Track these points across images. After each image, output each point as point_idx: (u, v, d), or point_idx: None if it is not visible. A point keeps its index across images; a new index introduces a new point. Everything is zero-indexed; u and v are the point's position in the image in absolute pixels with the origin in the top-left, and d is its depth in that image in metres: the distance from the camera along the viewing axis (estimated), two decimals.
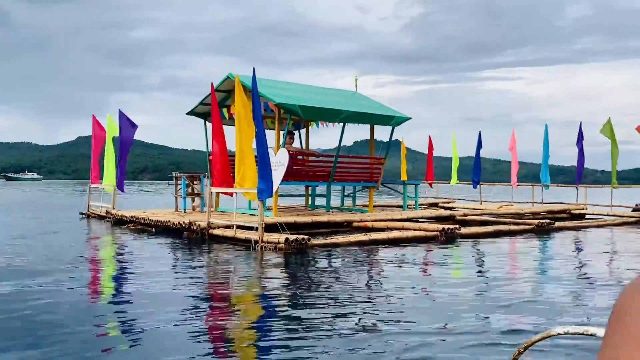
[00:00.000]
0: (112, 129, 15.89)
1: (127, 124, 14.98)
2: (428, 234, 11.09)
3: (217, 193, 15.40)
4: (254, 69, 9.92)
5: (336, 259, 8.65)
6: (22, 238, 11.15)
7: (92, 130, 16.59)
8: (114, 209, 14.84)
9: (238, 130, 10.53)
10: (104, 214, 15.49)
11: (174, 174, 14.78)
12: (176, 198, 14.91)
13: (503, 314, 5.07)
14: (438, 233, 10.98)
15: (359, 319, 4.99)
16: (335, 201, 15.76)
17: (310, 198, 16.28)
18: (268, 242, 9.39)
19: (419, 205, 16.88)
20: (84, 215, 16.54)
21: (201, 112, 15.60)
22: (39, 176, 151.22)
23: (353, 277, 7.11)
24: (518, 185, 19.11)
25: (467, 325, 4.62)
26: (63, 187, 62.66)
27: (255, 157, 10.31)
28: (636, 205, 18.34)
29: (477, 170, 19.29)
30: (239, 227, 10.44)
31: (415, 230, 11.38)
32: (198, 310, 5.30)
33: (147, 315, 4.92)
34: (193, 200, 14.98)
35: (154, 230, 12.53)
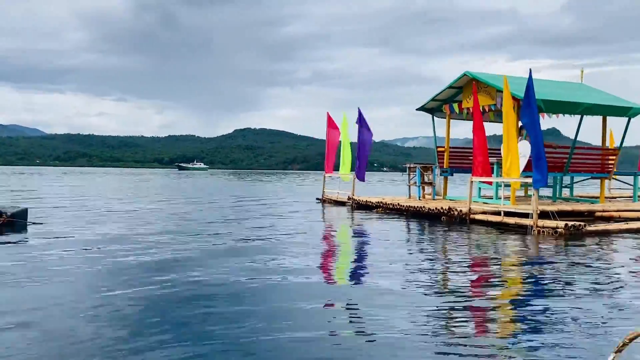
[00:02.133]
0: (346, 127, 17.74)
1: (366, 125, 16.70)
2: None
3: (445, 182, 16.63)
4: (530, 69, 10.81)
5: (611, 244, 9.30)
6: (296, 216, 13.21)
7: (327, 127, 18.59)
8: (353, 195, 16.64)
9: (505, 125, 11.52)
10: (341, 200, 17.43)
11: (408, 165, 16.19)
12: (409, 186, 16.32)
13: None
14: None
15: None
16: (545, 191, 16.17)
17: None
18: (544, 227, 10.29)
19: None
20: (319, 200, 18.67)
21: (429, 107, 16.86)
22: (205, 166, 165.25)
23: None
24: None
25: None
26: (233, 177, 68.37)
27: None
28: None
29: None
30: (506, 213, 11.46)
31: None
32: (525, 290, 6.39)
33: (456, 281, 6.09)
34: (423, 189, 16.27)
35: (405, 214, 14.00)
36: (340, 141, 18.33)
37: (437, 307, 4.87)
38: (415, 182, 15.96)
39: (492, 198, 14.71)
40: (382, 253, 8.06)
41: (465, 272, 6.77)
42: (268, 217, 13.29)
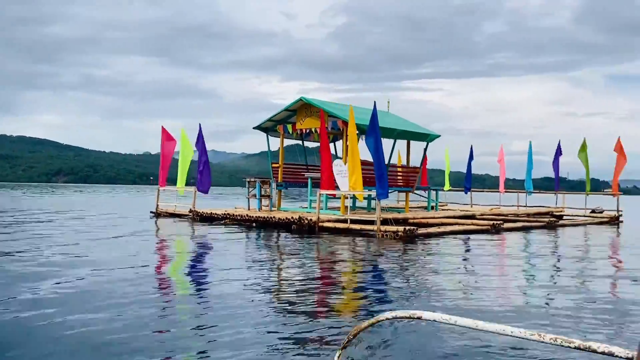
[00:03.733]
0: (185, 141, 18.31)
1: (203, 141, 17.51)
2: (482, 227, 14.68)
3: (279, 195, 18.32)
4: (375, 102, 13.07)
5: (438, 243, 11.95)
6: (133, 235, 13.57)
7: (161, 140, 18.81)
8: (194, 207, 17.28)
9: (351, 146, 13.59)
10: (178, 212, 17.91)
11: (247, 179, 17.45)
12: (248, 199, 17.58)
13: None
14: (489, 227, 14.59)
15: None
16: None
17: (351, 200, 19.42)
18: (387, 231, 12.54)
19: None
20: (153, 214, 18.77)
21: (265, 127, 18.39)
22: None
23: (464, 257, 10.49)
24: (505, 191, 23.26)
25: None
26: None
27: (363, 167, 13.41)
28: (594, 209, 22.99)
29: (469, 178, 23.24)
30: (352, 221, 13.50)
31: (470, 225, 14.92)
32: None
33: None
34: (261, 201, 17.67)
35: (254, 224, 15.23)
36: (176, 156, 18.76)
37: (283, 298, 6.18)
38: (255, 195, 17.29)
39: (322, 209, 16.79)
40: (239, 260, 8.68)
41: (316, 271, 8.36)
42: (102, 232, 12.68)
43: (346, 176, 14.88)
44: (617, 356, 1.44)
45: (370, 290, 6.58)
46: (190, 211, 17.32)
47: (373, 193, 13.48)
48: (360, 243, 11.63)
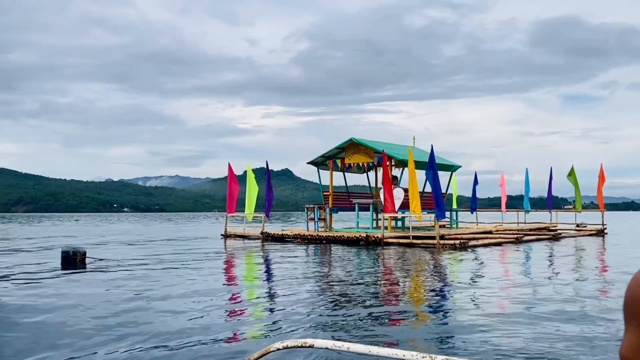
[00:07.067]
0: (251, 173, 21.70)
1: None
2: (509, 239, 18.55)
3: (330, 218, 21.87)
4: (432, 146, 16.84)
5: (485, 252, 15.68)
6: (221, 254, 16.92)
7: (228, 175, 22.10)
8: (264, 229, 20.62)
9: (411, 178, 17.33)
10: (247, 234, 21.22)
11: (306, 206, 20.96)
12: (307, 222, 21.04)
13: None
14: (515, 239, 18.49)
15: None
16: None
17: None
18: (446, 244, 16.22)
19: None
20: (223, 236, 22.00)
21: (317, 162, 21.95)
22: None
23: (506, 264, 14.28)
24: (507, 211, 27.41)
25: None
26: None
27: (422, 194, 17.11)
28: (578, 224, 27.35)
29: (474, 200, 27.30)
30: (414, 237, 17.17)
31: (499, 238, 18.78)
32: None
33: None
34: (319, 223, 21.10)
35: (324, 242, 18.68)
36: (241, 186, 22.10)
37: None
38: (313, 218, 20.77)
39: (369, 228, 20.38)
40: (341, 266, 12.71)
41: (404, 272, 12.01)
42: (203, 254, 15.96)
43: (395, 201, 18.62)
44: None
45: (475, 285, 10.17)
46: (262, 233, 20.63)
47: (432, 216, 17.19)
48: (425, 252, 15.22)
